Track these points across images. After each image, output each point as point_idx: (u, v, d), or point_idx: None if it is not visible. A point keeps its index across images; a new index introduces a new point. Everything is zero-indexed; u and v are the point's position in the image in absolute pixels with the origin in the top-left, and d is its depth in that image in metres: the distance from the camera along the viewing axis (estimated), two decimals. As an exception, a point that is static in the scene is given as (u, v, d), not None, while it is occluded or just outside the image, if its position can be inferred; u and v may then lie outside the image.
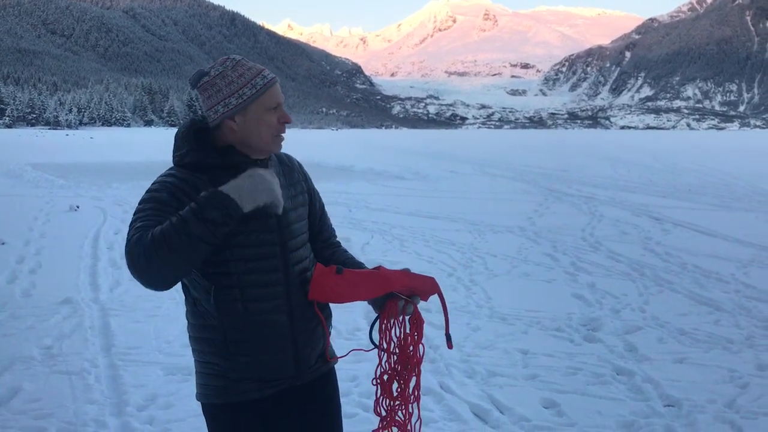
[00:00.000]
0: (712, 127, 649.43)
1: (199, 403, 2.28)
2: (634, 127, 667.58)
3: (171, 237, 1.83)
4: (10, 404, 4.33)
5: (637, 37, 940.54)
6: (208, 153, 2.13)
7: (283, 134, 2.18)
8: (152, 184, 2.15)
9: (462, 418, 4.16)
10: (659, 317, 6.25)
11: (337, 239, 2.52)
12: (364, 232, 10.70)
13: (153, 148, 44.08)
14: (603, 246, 9.83)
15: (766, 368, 4.97)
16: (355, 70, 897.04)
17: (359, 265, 2.36)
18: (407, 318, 2.24)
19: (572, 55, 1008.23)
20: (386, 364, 2.26)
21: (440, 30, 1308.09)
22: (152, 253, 1.83)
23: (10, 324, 5.98)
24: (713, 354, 5.28)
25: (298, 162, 2.41)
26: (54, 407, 4.27)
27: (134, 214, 2.03)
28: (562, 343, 5.57)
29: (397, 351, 2.25)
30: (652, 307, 6.62)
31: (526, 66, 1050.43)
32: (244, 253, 2.12)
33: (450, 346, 2.34)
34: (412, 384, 2.27)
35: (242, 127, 2.12)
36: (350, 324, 5.85)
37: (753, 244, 9.98)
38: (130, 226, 2.00)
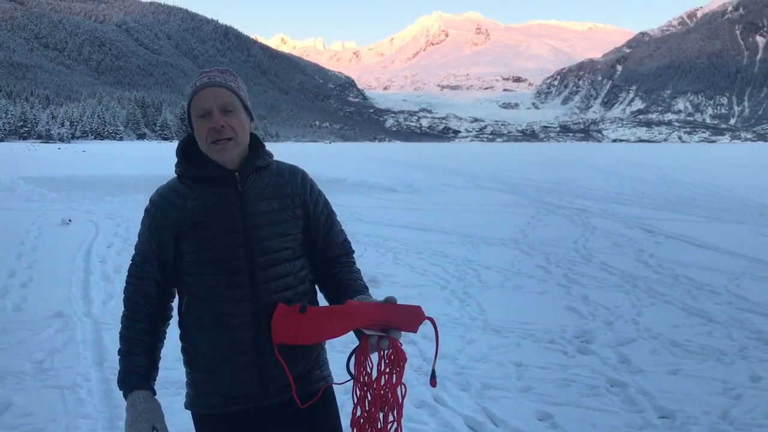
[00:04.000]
0: (703, 140, 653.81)
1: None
2: (626, 140, 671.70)
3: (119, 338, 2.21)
4: (2, 419, 4.29)
5: (628, 50, 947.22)
6: (190, 166, 2.17)
7: (221, 142, 2.08)
8: (147, 205, 2.25)
9: (456, 431, 4.15)
10: (652, 329, 6.26)
11: (350, 258, 2.38)
12: (358, 245, 10.65)
13: (145, 161, 44.04)
14: (596, 258, 9.85)
15: (759, 380, 4.98)
16: (348, 84, 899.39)
17: (355, 290, 2.22)
18: (385, 354, 2.05)
19: (564, 68, 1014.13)
20: (360, 405, 2.07)
21: (433, 44, 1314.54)
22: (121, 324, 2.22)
23: (2, 338, 5.93)
24: (706, 365, 5.29)
25: (302, 176, 2.29)
26: (46, 422, 4.24)
27: (134, 248, 2.27)
28: (555, 356, 5.56)
29: (372, 392, 2.05)
30: (645, 318, 6.63)
31: (518, 80, 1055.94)
32: (211, 266, 2.12)
33: (433, 384, 2.11)
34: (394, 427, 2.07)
35: (195, 136, 2.17)
36: (345, 336, 5.82)
37: (745, 255, 10.02)
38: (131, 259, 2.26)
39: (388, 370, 2.05)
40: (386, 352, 2.04)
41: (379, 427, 2.06)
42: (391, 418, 2.07)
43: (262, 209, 2.16)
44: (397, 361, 2.05)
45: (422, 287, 7.91)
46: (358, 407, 2.07)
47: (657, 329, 6.24)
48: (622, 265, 9.29)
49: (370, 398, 2.06)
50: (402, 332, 2.06)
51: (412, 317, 2.08)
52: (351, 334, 2.09)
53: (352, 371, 2.06)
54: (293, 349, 2.13)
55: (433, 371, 2.09)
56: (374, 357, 2.08)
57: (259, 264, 2.13)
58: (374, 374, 2.06)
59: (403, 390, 2.07)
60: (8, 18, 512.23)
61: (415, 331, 2.08)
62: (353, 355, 2.06)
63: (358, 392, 2.07)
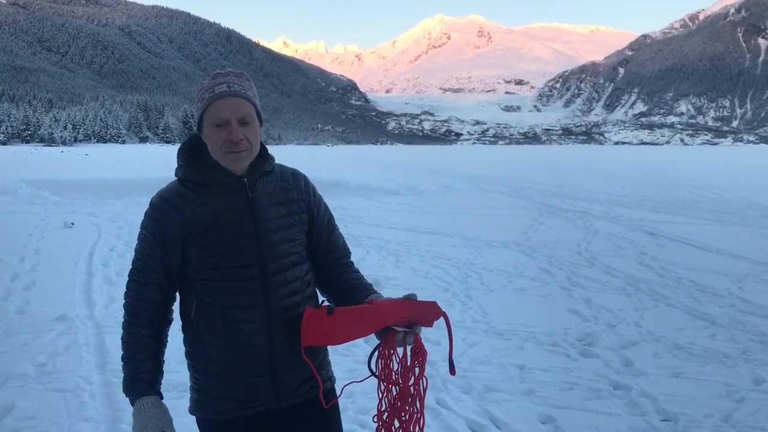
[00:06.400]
0: (705, 143, 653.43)
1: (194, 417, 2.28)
2: (628, 143, 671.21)
3: (122, 344, 2.19)
4: (4, 422, 4.30)
5: (630, 53, 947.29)
6: (196, 170, 2.16)
7: (236, 152, 2.08)
8: (147, 209, 2.22)
9: (459, 434, 4.14)
10: (655, 332, 6.25)
11: (350, 260, 2.42)
12: (360, 248, 10.69)
13: (148, 164, 44.03)
14: (598, 261, 9.84)
15: (763, 382, 4.97)
16: (351, 87, 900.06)
17: (366, 289, 2.24)
18: (408, 349, 2.09)
19: (566, 71, 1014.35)
20: (385, 399, 2.12)
21: (435, 47, 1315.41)
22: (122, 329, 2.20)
23: (4, 341, 5.94)
24: (709, 368, 5.28)
25: (305, 181, 2.33)
26: (48, 425, 4.24)
27: (134, 252, 2.23)
28: (558, 358, 5.56)
29: (397, 385, 2.10)
30: (647, 321, 6.62)
31: (520, 82, 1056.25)
32: (222, 272, 2.11)
33: (453, 372, 2.14)
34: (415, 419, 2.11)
35: (205, 140, 2.15)
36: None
37: (747, 258, 10.00)
38: (132, 264, 2.23)
39: (413, 364, 2.10)
40: (410, 347, 2.08)
41: (404, 418, 2.10)
42: (415, 410, 2.12)
43: (271, 215, 2.17)
44: (420, 354, 2.09)
45: (424, 290, 7.90)
46: (383, 402, 2.12)
47: (660, 332, 6.23)
48: (625, 268, 9.27)
49: (395, 393, 2.11)
50: (421, 327, 2.11)
51: (430, 313, 2.12)
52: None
53: (373, 368, 2.10)
54: (300, 354, 2.13)
55: (451, 361, 2.13)
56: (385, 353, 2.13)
57: (271, 270, 2.14)
58: (396, 369, 2.11)
59: (425, 383, 2.12)
60: (11, 22, 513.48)
61: (431, 326, 2.12)
62: (375, 352, 2.10)
63: (383, 387, 2.11)
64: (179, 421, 2.18)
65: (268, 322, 2.12)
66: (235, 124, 2.07)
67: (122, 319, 2.20)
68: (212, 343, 2.14)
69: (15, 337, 6.04)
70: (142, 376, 2.12)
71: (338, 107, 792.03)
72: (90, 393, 4.75)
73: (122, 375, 2.16)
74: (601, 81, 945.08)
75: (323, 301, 2.35)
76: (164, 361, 2.24)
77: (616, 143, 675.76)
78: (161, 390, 2.19)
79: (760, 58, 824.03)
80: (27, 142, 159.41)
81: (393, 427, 2.12)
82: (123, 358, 2.16)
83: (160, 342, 2.21)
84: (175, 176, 2.21)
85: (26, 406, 4.52)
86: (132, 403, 2.10)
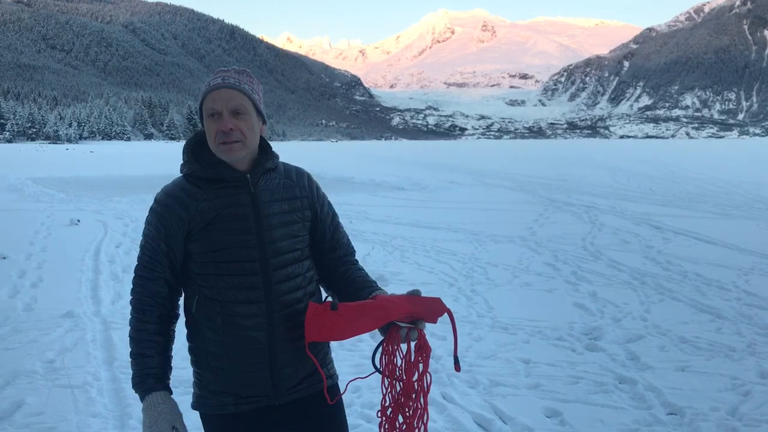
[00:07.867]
0: (711, 136, 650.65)
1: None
2: (634, 137, 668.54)
3: (130, 340, 2.20)
4: (13, 418, 4.32)
5: (635, 46, 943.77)
6: (200, 166, 2.17)
7: (228, 143, 2.09)
8: (152, 204, 2.23)
9: (465, 429, 4.15)
10: (661, 325, 6.25)
11: (354, 257, 2.43)
12: (365, 243, 10.71)
13: (153, 161, 44.15)
14: (604, 255, 9.84)
15: (769, 375, 4.97)
16: (355, 82, 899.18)
17: (370, 285, 2.25)
18: (412, 345, 2.10)
19: (571, 65, 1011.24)
20: (389, 395, 2.14)
21: (439, 41, 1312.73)
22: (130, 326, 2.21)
23: (12, 338, 5.98)
24: (715, 362, 5.28)
25: (308, 178, 2.34)
26: (57, 421, 4.27)
27: (139, 248, 2.25)
28: (563, 352, 5.57)
29: (401, 381, 2.11)
30: (653, 315, 6.62)
31: (524, 76, 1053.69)
32: (224, 267, 2.12)
33: (458, 369, 2.17)
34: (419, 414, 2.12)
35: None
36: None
37: (753, 251, 9.98)
38: (137, 258, 2.24)
39: (417, 360, 2.11)
40: (414, 343, 2.09)
41: (408, 414, 2.11)
42: (419, 406, 2.13)
43: (274, 210, 2.18)
44: (424, 350, 2.10)
45: (430, 285, 7.92)
46: (387, 397, 2.13)
47: (665, 326, 6.23)
48: (631, 262, 9.27)
49: (399, 389, 2.11)
50: (425, 324, 2.11)
51: (434, 309, 2.13)
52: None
53: (377, 364, 2.11)
54: (300, 350, 2.14)
55: (456, 357, 2.14)
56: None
57: (273, 265, 2.15)
58: (400, 365, 2.12)
59: (429, 379, 2.12)
60: (15, 20, 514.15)
61: (435, 322, 2.13)
62: (379, 348, 2.10)
63: (386, 383, 2.12)
64: (186, 417, 2.20)
65: (268, 318, 2.14)
66: (226, 114, 2.09)
67: (129, 316, 2.21)
68: (213, 338, 2.16)
69: (23, 334, 6.08)
70: (151, 372, 2.13)
71: (342, 103, 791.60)
72: (98, 389, 4.78)
73: (130, 371, 2.18)
74: (606, 75, 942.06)
75: (326, 297, 2.36)
76: (172, 356, 2.25)
77: (621, 137, 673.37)
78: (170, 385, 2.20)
79: (766, 51, 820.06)
80: (32, 139, 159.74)
81: (397, 423, 2.13)
82: (131, 355, 2.17)
83: (168, 338, 2.23)
84: (180, 172, 2.23)
85: (35, 403, 4.55)
86: (142, 398, 2.12)
